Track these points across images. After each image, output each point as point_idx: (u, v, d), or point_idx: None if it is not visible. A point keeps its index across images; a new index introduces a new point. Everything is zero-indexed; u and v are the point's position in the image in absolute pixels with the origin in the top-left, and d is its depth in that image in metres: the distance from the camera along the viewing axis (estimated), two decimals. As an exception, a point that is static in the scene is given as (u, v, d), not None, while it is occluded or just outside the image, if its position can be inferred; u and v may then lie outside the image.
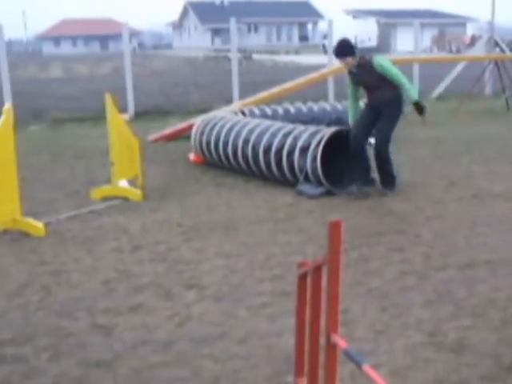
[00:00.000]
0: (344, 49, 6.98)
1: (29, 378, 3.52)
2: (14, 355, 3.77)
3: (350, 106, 7.50)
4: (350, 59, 6.96)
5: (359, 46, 48.97)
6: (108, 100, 7.24)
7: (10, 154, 6.04)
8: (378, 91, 7.01)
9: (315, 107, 10.25)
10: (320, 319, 2.95)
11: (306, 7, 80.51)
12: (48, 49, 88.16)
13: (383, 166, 7.18)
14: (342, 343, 2.68)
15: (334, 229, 2.68)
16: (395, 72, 6.84)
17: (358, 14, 58.34)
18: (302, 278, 3.11)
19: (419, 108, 6.90)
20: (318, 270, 2.91)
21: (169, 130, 11.56)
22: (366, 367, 2.52)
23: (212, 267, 5.11)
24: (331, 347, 2.76)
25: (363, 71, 6.99)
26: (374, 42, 50.80)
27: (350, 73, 7.16)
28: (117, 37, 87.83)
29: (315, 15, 79.30)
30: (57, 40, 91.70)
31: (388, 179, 7.24)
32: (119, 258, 5.43)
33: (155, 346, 3.84)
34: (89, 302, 4.51)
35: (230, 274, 4.94)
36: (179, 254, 5.45)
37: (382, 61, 6.93)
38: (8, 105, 6.13)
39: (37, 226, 6.11)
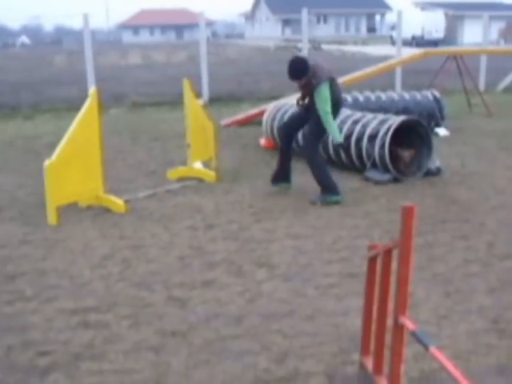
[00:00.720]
0: (297, 71, 6.32)
1: (111, 342, 3.63)
2: (98, 321, 3.89)
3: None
4: (303, 79, 6.32)
5: (426, 37, 47.86)
6: (186, 85, 7.31)
7: (94, 134, 6.20)
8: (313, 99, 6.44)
9: (383, 96, 10.07)
10: (388, 301, 2.93)
11: (375, -1, 79.24)
12: (127, 37, 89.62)
13: (312, 170, 6.62)
14: (409, 325, 2.66)
15: (407, 214, 2.65)
16: (323, 108, 6.24)
17: (426, 5, 56.97)
18: (372, 260, 3.09)
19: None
20: (388, 253, 2.88)
21: (241, 116, 11.60)
22: (434, 349, 2.49)
23: (282, 247, 5.13)
24: (399, 328, 2.75)
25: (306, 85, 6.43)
26: (440, 34, 49.45)
27: None
28: (191, 26, 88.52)
29: (383, 7, 77.93)
30: (136, 29, 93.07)
31: (320, 185, 6.55)
32: (194, 235, 5.52)
33: (227, 319, 3.89)
34: (165, 275, 4.61)
35: (299, 255, 4.95)
36: (250, 234, 5.50)
37: (323, 92, 6.25)
38: (93, 89, 6.28)
39: (118, 202, 6.26)
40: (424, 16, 50.55)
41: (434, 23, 49.49)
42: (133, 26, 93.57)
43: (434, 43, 45.53)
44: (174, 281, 4.50)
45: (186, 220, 5.95)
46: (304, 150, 6.70)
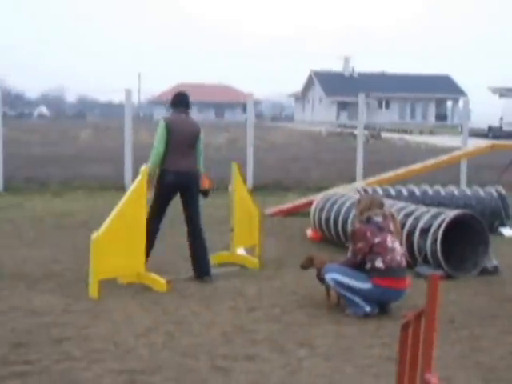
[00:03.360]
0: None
1: (159, 398, 4.62)
2: (144, 382, 4.89)
3: None
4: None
5: (505, 128, 48.68)
6: (234, 168, 8.48)
7: (141, 212, 7.36)
8: None
9: (442, 191, 11.08)
10: (418, 362, 3.86)
11: (447, 82, 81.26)
12: (159, 114, 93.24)
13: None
14: (433, 380, 3.59)
15: (433, 282, 3.63)
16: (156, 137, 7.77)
17: (505, 92, 58.28)
18: (405, 326, 4.04)
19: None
20: (418, 318, 3.84)
21: (287, 205, 12.70)
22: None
23: (323, 331, 6.09)
24: (425, 383, 3.67)
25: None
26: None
27: None
28: (233, 105, 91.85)
29: (456, 92, 79.65)
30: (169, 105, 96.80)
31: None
32: (236, 315, 6.53)
33: (268, 387, 4.85)
34: (208, 347, 5.60)
35: (341, 338, 5.90)
36: (293, 317, 6.49)
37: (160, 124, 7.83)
38: (144, 166, 7.46)
39: (160, 281, 7.33)
40: (503, 104, 51.52)
41: (514, 112, 50.24)
42: (166, 102, 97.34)
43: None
44: (217, 352, 5.49)
45: (227, 301, 6.98)
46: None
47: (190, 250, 7.95)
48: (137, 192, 7.34)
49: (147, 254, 7.63)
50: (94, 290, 6.96)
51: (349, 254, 6.93)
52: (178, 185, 7.82)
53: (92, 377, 4.95)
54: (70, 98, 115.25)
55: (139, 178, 7.39)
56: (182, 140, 7.76)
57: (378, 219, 6.70)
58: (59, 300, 6.89)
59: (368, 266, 6.59)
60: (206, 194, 8.05)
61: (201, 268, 7.85)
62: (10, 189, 14.86)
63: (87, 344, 5.63)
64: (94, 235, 6.96)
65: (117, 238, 7.10)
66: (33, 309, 6.59)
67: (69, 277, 7.81)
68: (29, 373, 5.01)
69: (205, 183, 7.97)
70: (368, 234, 6.59)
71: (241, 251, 8.76)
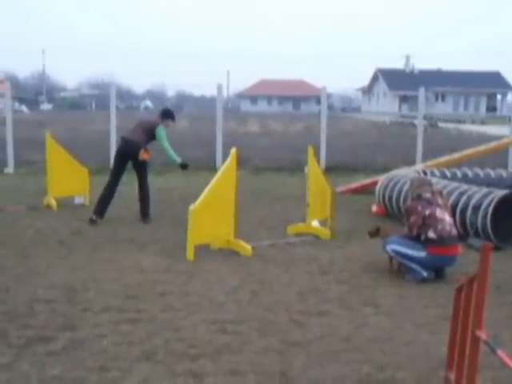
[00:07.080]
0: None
1: (244, 344, 4.71)
2: (233, 330, 4.98)
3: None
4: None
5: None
6: (310, 151, 8.47)
7: (232, 188, 7.43)
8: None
9: (492, 173, 10.82)
10: (469, 321, 3.80)
11: (497, 78, 78.87)
12: (245, 106, 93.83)
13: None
14: (483, 336, 3.53)
15: (485, 251, 3.56)
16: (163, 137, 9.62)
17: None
18: (459, 290, 3.98)
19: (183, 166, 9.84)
20: (470, 282, 3.77)
21: (355, 184, 12.62)
22: (500, 352, 3.36)
23: (386, 293, 6.05)
24: (475, 339, 3.61)
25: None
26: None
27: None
28: (308, 98, 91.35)
29: (505, 87, 77.40)
30: (253, 98, 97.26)
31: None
32: (310, 277, 6.55)
33: (338, 338, 4.86)
34: (287, 304, 5.65)
35: (401, 299, 5.86)
36: (360, 280, 6.46)
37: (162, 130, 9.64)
38: (234, 149, 7.54)
39: (246, 247, 7.41)
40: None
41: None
42: (251, 96, 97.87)
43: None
44: (294, 308, 5.53)
45: (303, 266, 7.00)
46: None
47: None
48: (227, 171, 7.42)
49: (102, 203, 9.26)
50: (190, 254, 7.10)
51: (405, 229, 6.88)
52: (123, 150, 9.47)
53: (190, 325, 5.08)
54: (170, 92, 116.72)
55: (229, 159, 7.46)
56: (136, 126, 9.65)
57: (427, 195, 6.78)
58: (162, 261, 7.06)
59: (422, 237, 6.57)
60: (144, 163, 9.53)
61: (141, 213, 9.45)
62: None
63: (186, 298, 5.77)
64: (192, 207, 7.07)
65: (210, 210, 7.21)
66: (141, 268, 6.78)
67: (170, 242, 7.97)
68: (139, 319, 5.19)
69: (143, 155, 9.37)
70: (419, 207, 6.64)
71: (315, 223, 8.76)
